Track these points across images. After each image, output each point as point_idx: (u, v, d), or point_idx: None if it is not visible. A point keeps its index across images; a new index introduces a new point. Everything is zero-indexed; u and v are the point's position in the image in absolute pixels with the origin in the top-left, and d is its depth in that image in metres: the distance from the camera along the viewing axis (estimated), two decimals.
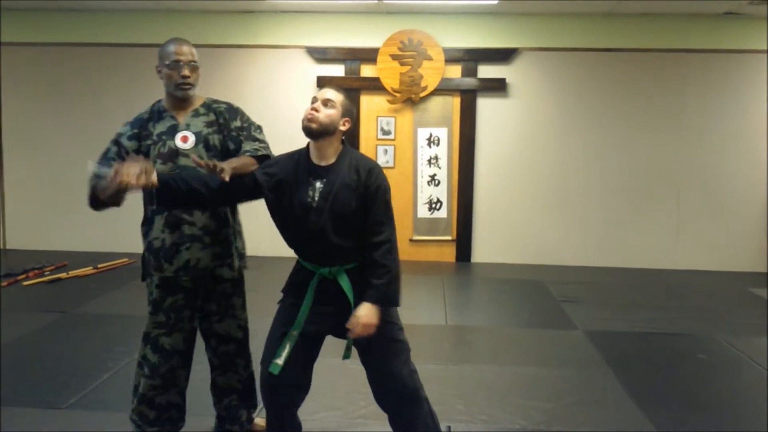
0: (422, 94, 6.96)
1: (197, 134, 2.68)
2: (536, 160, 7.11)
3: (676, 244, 7.09)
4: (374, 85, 7.00)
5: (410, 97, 6.97)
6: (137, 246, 8.06)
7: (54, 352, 4.11)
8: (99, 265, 6.45)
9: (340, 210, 2.36)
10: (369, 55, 6.98)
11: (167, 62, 2.64)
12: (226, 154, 2.69)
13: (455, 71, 7.02)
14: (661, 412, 3.37)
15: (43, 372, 3.77)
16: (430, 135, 7.10)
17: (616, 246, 7.12)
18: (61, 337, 4.41)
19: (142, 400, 2.74)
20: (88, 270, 6.30)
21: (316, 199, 2.37)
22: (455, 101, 7.07)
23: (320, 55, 7.05)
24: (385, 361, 2.43)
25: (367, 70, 7.06)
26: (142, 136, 2.69)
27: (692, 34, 6.86)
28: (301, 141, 2.47)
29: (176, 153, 2.64)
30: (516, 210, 7.17)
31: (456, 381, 3.76)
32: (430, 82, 6.94)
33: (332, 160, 2.43)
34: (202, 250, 2.67)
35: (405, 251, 7.09)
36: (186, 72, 2.64)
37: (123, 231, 7.30)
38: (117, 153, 2.65)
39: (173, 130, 2.67)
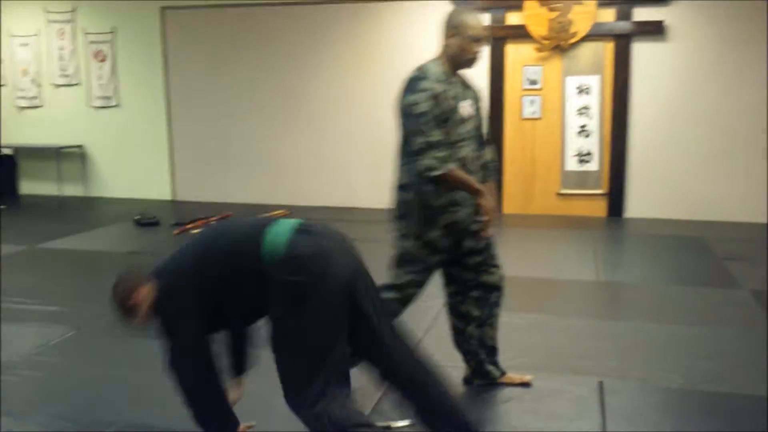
0: (572, 41, 6.65)
1: (469, 105, 2.82)
2: (697, 109, 6.60)
3: None
4: (520, 34, 6.77)
5: (559, 45, 6.68)
6: (292, 198, 8.27)
7: None
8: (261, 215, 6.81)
9: None
10: (515, 2, 6.74)
11: (468, 34, 2.71)
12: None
13: (608, 15, 6.62)
14: None
15: None
16: (580, 84, 6.80)
17: None
18: None
19: None
20: None
21: None
22: (608, 47, 6.69)
23: (465, 3, 6.92)
24: None
25: (512, 18, 6.83)
26: (446, 95, 2.71)
27: None
28: None
29: (462, 119, 2.76)
30: (674, 162, 6.72)
31: (608, 337, 3.66)
32: (581, 27, 6.60)
33: None
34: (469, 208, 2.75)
35: (552, 205, 6.95)
36: (480, 48, 2.76)
37: (283, 184, 7.71)
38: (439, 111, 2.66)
39: (458, 97, 2.76)
